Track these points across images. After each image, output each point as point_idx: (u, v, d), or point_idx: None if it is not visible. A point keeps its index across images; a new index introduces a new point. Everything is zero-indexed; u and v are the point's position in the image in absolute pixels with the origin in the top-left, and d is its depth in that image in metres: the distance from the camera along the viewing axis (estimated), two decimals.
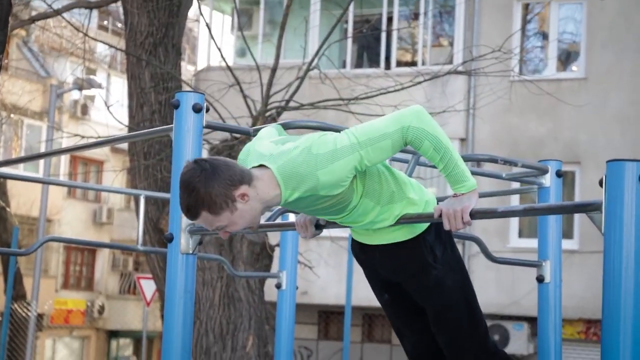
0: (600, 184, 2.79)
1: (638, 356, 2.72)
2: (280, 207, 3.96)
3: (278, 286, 5.88)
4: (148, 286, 17.87)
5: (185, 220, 3.90)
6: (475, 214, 3.14)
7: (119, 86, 29.08)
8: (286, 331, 5.90)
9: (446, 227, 3.24)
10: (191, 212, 3.32)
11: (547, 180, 4.78)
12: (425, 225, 3.68)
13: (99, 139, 5.11)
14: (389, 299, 3.91)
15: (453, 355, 3.84)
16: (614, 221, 2.73)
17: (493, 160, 4.50)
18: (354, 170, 3.32)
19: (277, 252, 9.39)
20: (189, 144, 3.93)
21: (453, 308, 3.75)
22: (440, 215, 3.27)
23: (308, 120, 3.91)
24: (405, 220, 3.48)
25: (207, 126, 4.00)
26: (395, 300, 3.91)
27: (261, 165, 3.38)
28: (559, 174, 4.82)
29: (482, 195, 4.57)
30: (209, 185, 3.27)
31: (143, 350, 17.77)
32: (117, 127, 16.02)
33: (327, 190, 3.33)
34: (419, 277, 3.71)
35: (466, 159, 4.58)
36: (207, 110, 3.97)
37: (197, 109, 3.92)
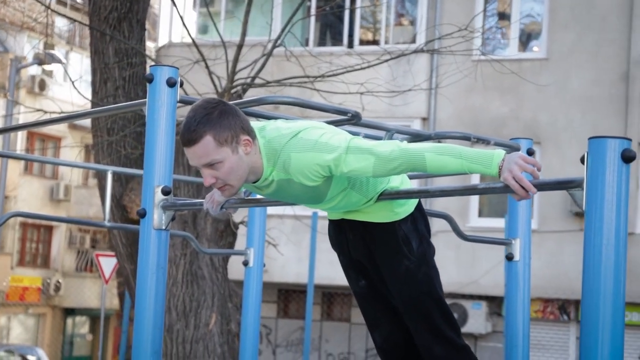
0: (582, 161, 2.79)
1: (617, 333, 2.74)
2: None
3: (245, 263, 5.87)
4: (106, 264, 17.76)
5: (158, 196, 3.86)
6: (454, 192, 3.13)
7: (77, 62, 28.78)
8: (253, 308, 5.91)
9: (522, 193, 2.94)
10: (195, 133, 3.23)
11: None
12: (402, 215, 3.66)
13: (69, 113, 5.04)
14: (365, 285, 3.88)
15: (423, 346, 3.82)
16: (596, 198, 2.73)
17: (466, 137, 4.51)
18: (328, 170, 3.25)
19: (241, 230, 9.38)
20: (163, 119, 3.87)
21: (421, 301, 3.72)
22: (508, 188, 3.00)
23: (285, 97, 3.88)
24: (388, 196, 3.46)
25: (181, 101, 3.95)
26: (370, 288, 3.88)
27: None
28: (529, 152, 4.84)
29: (444, 175, 4.58)
30: (223, 115, 3.24)
31: (101, 328, 17.68)
32: (77, 103, 15.87)
33: (299, 177, 3.29)
34: (390, 264, 3.69)
35: (439, 136, 4.60)
36: (182, 84, 3.93)
37: (171, 84, 3.87)
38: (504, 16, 18.04)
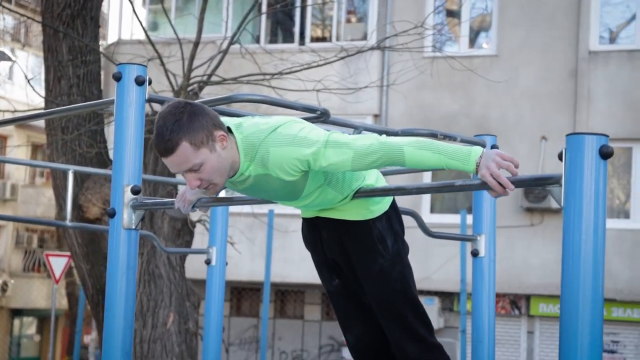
0: (560, 157, 2.81)
1: (596, 325, 2.76)
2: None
3: (208, 262, 5.84)
4: (57, 263, 17.59)
5: (127, 195, 3.83)
6: (431, 189, 3.14)
7: (23, 61, 28.39)
8: (216, 306, 5.87)
9: (499, 189, 2.94)
10: (171, 142, 3.20)
11: None
12: (377, 212, 3.66)
13: (37, 112, 4.96)
14: (338, 284, 3.86)
15: (396, 345, 3.82)
16: (574, 194, 2.75)
17: (433, 135, 4.52)
18: (307, 164, 3.25)
19: (199, 228, 9.34)
20: (132, 117, 3.84)
21: (395, 299, 3.72)
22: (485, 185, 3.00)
23: (256, 95, 3.87)
24: (363, 194, 3.47)
25: (150, 99, 3.92)
26: (344, 287, 3.86)
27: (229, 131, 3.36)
28: (494, 148, 4.89)
29: (421, 170, 4.60)
30: (194, 117, 3.21)
31: (51, 328, 17.49)
32: (24, 102, 15.65)
33: (277, 172, 3.28)
34: (365, 262, 3.68)
35: (405, 133, 4.61)
36: (150, 83, 3.90)
37: (139, 82, 3.84)
38: (452, 13, 18.15)
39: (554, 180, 2.84)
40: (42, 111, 5.69)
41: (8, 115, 9.51)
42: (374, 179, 3.60)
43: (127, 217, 3.82)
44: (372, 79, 15.11)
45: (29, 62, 27.37)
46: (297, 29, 17.97)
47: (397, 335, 3.77)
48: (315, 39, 18.19)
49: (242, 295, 19.05)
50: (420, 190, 3.19)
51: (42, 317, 30.69)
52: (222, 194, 4.41)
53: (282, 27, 18.64)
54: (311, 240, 3.83)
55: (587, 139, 2.75)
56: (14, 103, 13.06)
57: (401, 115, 17.14)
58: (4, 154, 25.87)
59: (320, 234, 3.76)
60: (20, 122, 4.40)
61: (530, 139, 16.47)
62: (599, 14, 16.71)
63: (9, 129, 27.85)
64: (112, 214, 3.83)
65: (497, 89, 16.25)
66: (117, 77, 3.87)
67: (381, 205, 3.67)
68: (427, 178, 16.03)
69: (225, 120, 3.40)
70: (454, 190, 3.12)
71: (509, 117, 16.73)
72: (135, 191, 3.83)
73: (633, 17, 16.82)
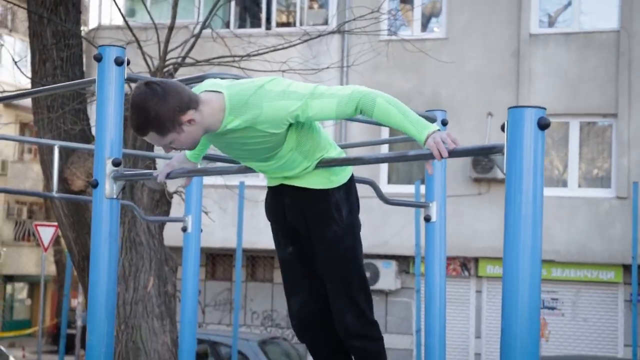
0: (502, 128, 2.84)
1: (535, 283, 2.80)
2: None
3: (184, 229, 5.83)
4: (45, 233, 17.48)
5: (109, 167, 3.81)
6: (388, 159, 3.15)
7: (10, 46, 28.06)
8: (192, 271, 5.88)
9: (435, 153, 3.00)
10: (140, 131, 3.32)
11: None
12: (336, 183, 3.68)
13: (25, 90, 4.91)
14: (292, 252, 3.85)
15: (337, 313, 3.80)
16: (515, 163, 2.78)
17: None
18: (295, 116, 3.30)
19: (176, 199, 9.31)
20: (112, 96, 3.83)
21: (343, 267, 3.72)
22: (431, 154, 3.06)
23: (227, 74, 3.85)
24: (325, 163, 3.48)
25: (128, 79, 3.90)
26: (297, 255, 3.85)
27: (215, 92, 3.37)
28: (444, 122, 4.92)
29: (378, 144, 4.59)
30: (159, 109, 3.25)
31: (41, 293, 17.37)
32: (9, 83, 15.49)
33: (266, 125, 3.30)
34: (320, 228, 3.69)
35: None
36: (129, 63, 3.88)
37: (119, 62, 3.82)
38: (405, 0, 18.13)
39: (497, 149, 2.87)
40: (29, 90, 5.62)
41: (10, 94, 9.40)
42: (336, 153, 3.63)
43: (108, 187, 3.81)
44: (333, 61, 15.08)
45: (16, 47, 27.08)
46: (263, 15, 17.88)
47: (340, 303, 3.75)
48: (280, 24, 18.12)
49: (216, 261, 19.04)
50: (377, 160, 3.20)
51: (33, 283, 30.52)
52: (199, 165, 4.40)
53: (250, 12, 18.54)
54: (273, 208, 3.83)
55: (527, 111, 2.78)
56: (2, 84, 12.92)
57: None
58: None
59: (283, 200, 3.76)
60: (8, 100, 4.36)
61: (477, 115, 16.55)
62: (538, 0, 16.78)
63: None
64: (95, 185, 3.82)
65: (447, 69, 16.29)
66: (98, 58, 3.84)
67: (340, 177, 3.70)
68: (384, 150, 16.06)
69: (214, 83, 3.46)
70: (407, 159, 3.14)
71: (457, 95, 16.79)
72: (116, 163, 3.81)
73: (570, 3, 16.91)
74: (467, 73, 16.75)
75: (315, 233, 3.70)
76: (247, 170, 3.71)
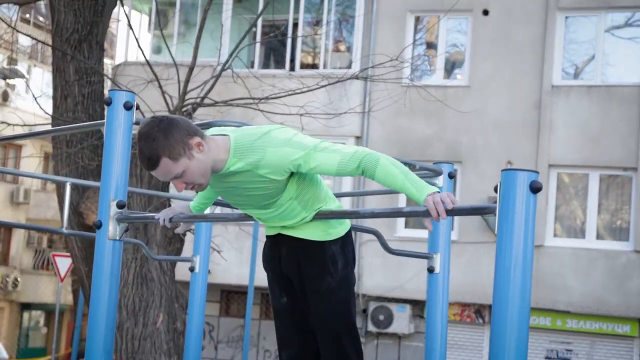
0: (495, 189, 2.86)
1: (522, 335, 2.80)
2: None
3: (192, 269, 5.87)
4: (62, 263, 17.58)
5: (113, 209, 3.87)
6: (383, 214, 3.18)
7: (39, 76, 28.42)
8: (198, 310, 5.90)
9: (434, 213, 3.05)
10: (152, 159, 3.30)
11: (441, 181, 4.91)
12: (333, 236, 3.70)
13: (35, 131, 5.00)
14: (286, 302, 3.85)
15: None
16: (507, 224, 2.79)
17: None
18: (297, 165, 3.35)
19: (189, 236, 9.36)
20: (120, 139, 3.89)
21: (335, 320, 3.71)
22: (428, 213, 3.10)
23: (229, 121, 3.92)
24: (323, 215, 3.51)
25: (137, 123, 3.96)
26: (291, 306, 3.84)
27: (221, 135, 3.44)
28: (451, 175, 4.94)
29: (384, 193, 4.63)
30: (168, 133, 3.29)
31: (56, 322, 17.44)
32: (38, 114, 15.68)
33: (267, 170, 3.35)
34: (315, 279, 3.69)
35: None
36: (137, 107, 3.95)
37: (127, 107, 3.89)
38: (431, 45, 18.25)
39: (489, 210, 2.89)
40: (42, 130, 5.70)
41: (18, 130, 9.53)
42: (334, 206, 3.66)
43: (112, 228, 3.86)
44: (354, 104, 15.16)
45: (44, 78, 27.43)
46: (288, 56, 18.03)
47: (331, 357, 3.74)
48: (305, 65, 18.24)
49: (231, 298, 19.04)
50: (373, 215, 3.24)
51: (49, 311, 30.59)
52: (208, 211, 4.43)
53: (274, 53, 18.71)
54: (270, 257, 3.84)
55: (520, 174, 2.80)
56: (29, 115, 13.08)
57: (380, 138, 17.20)
58: (19, 162, 25.82)
59: (280, 250, 3.78)
60: (20, 138, 4.45)
61: (497, 163, 16.54)
62: (562, 52, 16.83)
63: (23, 139, 27.83)
64: (98, 226, 3.87)
65: (468, 116, 16.33)
66: (108, 102, 3.91)
67: (337, 230, 3.71)
68: (402, 202, 16.05)
69: (220, 128, 3.55)
70: (402, 215, 3.18)
71: (478, 143, 16.81)
72: (120, 205, 3.87)
73: (593, 57, 16.94)
74: (489, 121, 16.78)
75: (309, 284, 3.71)
76: (247, 218, 3.74)
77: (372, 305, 17.16)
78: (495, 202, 2.86)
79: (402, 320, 17.05)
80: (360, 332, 17.51)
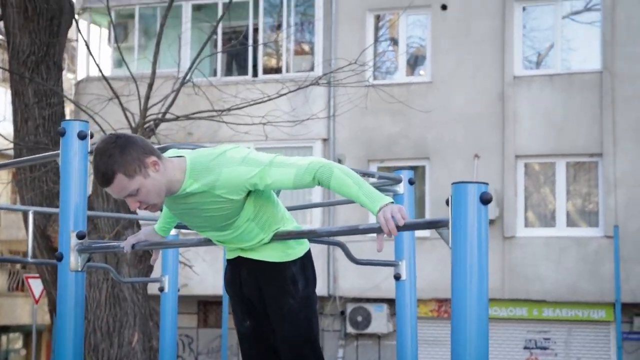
0: (447, 203, 2.89)
1: (482, 351, 2.83)
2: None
3: (161, 289, 5.87)
4: (36, 285, 17.46)
5: (73, 240, 3.87)
6: (339, 232, 3.20)
7: (2, 96, 28.19)
8: (169, 328, 5.91)
9: (385, 230, 3.08)
10: (107, 175, 3.31)
11: (401, 188, 4.94)
12: (292, 257, 3.70)
13: None
14: (249, 326, 3.84)
15: None
16: (460, 236, 2.83)
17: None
18: (253, 184, 3.37)
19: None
20: (76, 169, 3.90)
21: (297, 340, 3.71)
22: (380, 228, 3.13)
23: (187, 144, 3.93)
24: (280, 236, 3.53)
25: (92, 151, 3.95)
26: (254, 330, 3.84)
27: (177, 157, 3.47)
28: (411, 181, 4.99)
29: (344, 203, 4.66)
30: (124, 150, 3.31)
31: (33, 343, 17.38)
32: (4, 135, 15.54)
33: (224, 191, 3.37)
34: (275, 301, 3.69)
35: None
36: (92, 136, 3.95)
37: (82, 136, 3.90)
38: (393, 42, 18.30)
39: (442, 223, 2.92)
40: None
41: None
42: (292, 226, 3.67)
43: (73, 260, 3.87)
44: (319, 108, 15.19)
45: (7, 97, 27.19)
46: (250, 62, 17.99)
47: None
48: (269, 70, 18.22)
49: (208, 308, 18.99)
50: (330, 233, 3.27)
51: (27, 332, 30.34)
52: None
53: (237, 59, 18.66)
54: (231, 281, 3.84)
55: (469, 187, 2.83)
56: None
57: (346, 139, 17.25)
58: None
59: (240, 273, 3.78)
60: None
61: (464, 157, 16.63)
62: (521, 42, 16.95)
63: None
64: (59, 258, 3.87)
65: (433, 112, 16.39)
66: (62, 133, 3.92)
67: (296, 251, 3.72)
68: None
69: (177, 151, 3.56)
70: (359, 232, 3.20)
71: (444, 138, 16.89)
72: (80, 236, 3.87)
73: (552, 45, 17.08)
74: (453, 116, 16.86)
75: (270, 306, 3.71)
76: (207, 242, 3.75)
77: (350, 307, 17.20)
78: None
79: (380, 320, 17.10)
80: (339, 334, 17.56)
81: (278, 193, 3.87)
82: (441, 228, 2.92)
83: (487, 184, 2.86)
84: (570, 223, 16.61)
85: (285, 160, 3.39)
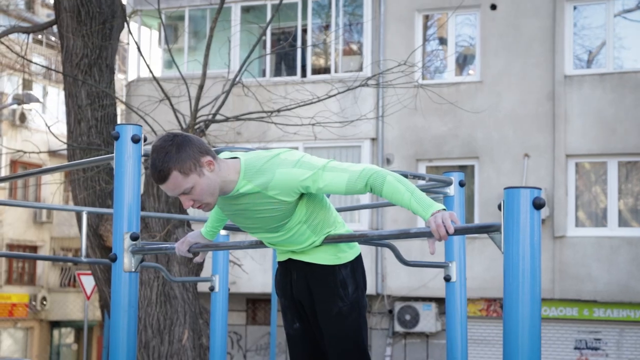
0: (499, 207, 2.88)
1: (535, 353, 2.81)
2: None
3: (212, 289, 5.92)
4: (87, 281, 17.68)
5: (127, 241, 3.91)
6: (390, 236, 3.20)
7: (55, 96, 28.61)
8: (220, 327, 5.95)
9: (436, 236, 3.10)
10: (163, 172, 3.36)
11: (452, 190, 4.92)
12: (343, 260, 3.71)
13: (46, 168, 5.03)
14: (299, 328, 3.87)
15: None
16: (512, 242, 2.82)
17: (404, 175, 4.59)
18: (306, 186, 3.38)
19: (211, 252, 9.41)
20: (129, 172, 3.94)
21: (345, 344, 3.71)
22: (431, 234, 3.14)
23: (240, 148, 3.96)
24: (332, 239, 3.53)
25: (146, 154, 4.00)
26: (303, 332, 3.86)
27: (231, 158, 3.50)
28: (461, 184, 4.95)
29: (392, 205, 4.65)
30: (181, 148, 3.35)
31: (85, 339, 17.60)
32: (58, 134, 15.79)
33: (277, 192, 3.39)
34: (325, 304, 3.70)
35: None
36: (145, 140, 3.99)
37: (135, 140, 3.93)
38: (442, 41, 18.22)
39: (494, 228, 2.91)
40: (54, 166, 5.74)
41: (34, 155, 9.59)
42: (343, 230, 3.68)
43: (127, 261, 3.91)
44: (367, 108, 15.17)
45: (60, 97, 27.58)
46: (298, 63, 18.02)
47: None
48: (317, 70, 18.23)
49: (257, 305, 19.09)
50: (381, 237, 3.26)
51: (79, 328, 30.76)
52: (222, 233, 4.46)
53: (285, 59, 18.70)
54: (282, 283, 3.86)
55: (522, 192, 2.82)
56: (49, 137, 13.16)
57: (395, 139, 17.21)
58: (40, 187, 26.00)
59: (291, 275, 3.80)
60: (26, 176, 4.50)
61: (514, 156, 16.51)
62: (572, 41, 16.76)
63: (43, 158, 28.00)
64: (113, 259, 3.92)
65: (482, 112, 16.30)
66: (116, 137, 3.96)
67: (347, 255, 3.72)
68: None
69: (231, 152, 3.59)
70: (409, 236, 3.19)
71: (493, 138, 16.77)
72: (134, 237, 3.91)
73: (604, 44, 16.87)
74: (503, 116, 16.74)
75: (320, 309, 3.72)
76: (259, 245, 3.77)
77: (398, 306, 17.16)
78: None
79: (428, 319, 17.05)
80: (387, 333, 17.54)
81: (328, 196, 3.88)
82: (493, 232, 2.91)
83: (539, 188, 2.84)
84: (622, 223, 16.40)
85: (338, 165, 3.40)
